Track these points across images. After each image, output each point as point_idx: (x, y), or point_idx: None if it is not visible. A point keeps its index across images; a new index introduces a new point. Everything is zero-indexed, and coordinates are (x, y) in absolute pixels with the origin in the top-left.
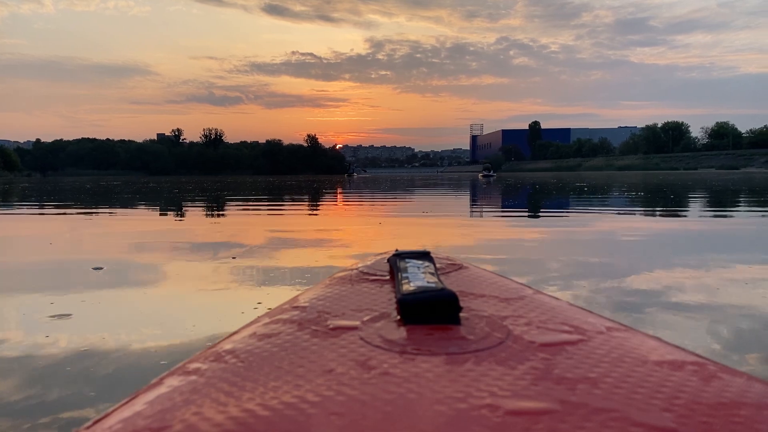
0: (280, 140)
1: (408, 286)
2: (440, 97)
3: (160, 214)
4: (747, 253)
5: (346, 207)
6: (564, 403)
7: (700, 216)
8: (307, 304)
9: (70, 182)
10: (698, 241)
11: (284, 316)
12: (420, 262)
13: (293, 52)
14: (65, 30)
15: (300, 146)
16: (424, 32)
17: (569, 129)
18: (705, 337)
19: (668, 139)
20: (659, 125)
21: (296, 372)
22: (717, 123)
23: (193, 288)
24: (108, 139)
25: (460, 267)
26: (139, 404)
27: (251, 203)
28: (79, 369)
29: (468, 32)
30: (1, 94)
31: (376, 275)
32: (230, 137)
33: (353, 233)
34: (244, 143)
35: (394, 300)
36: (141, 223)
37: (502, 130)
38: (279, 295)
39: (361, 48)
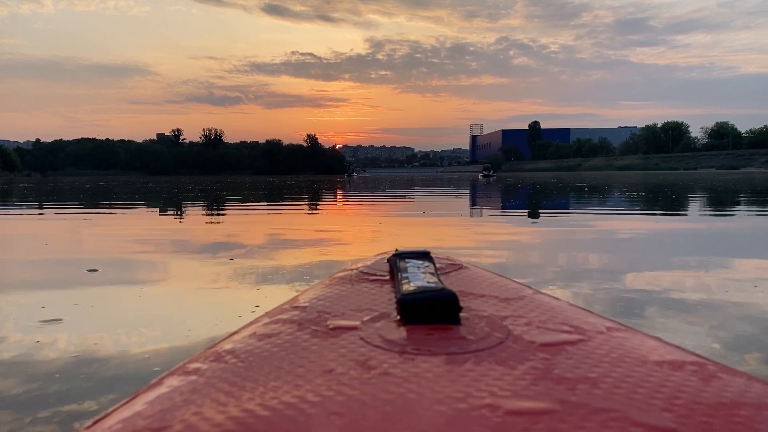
0: (279, 140)
1: (408, 286)
2: (440, 97)
3: (159, 215)
4: (757, 253)
5: (346, 207)
6: (564, 403)
7: (706, 216)
8: (307, 304)
9: (70, 182)
10: (706, 241)
11: (284, 316)
12: (420, 262)
13: (293, 52)
14: (65, 30)
15: (300, 146)
16: (423, 32)
17: (569, 129)
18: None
19: (668, 139)
20: (659, 125)
21: (296, 372)
22: (717, 123)
23: (190, 291)
24: (108, 139)
25: (460, 267)
26: (139, 404)
27: (251, 203)
28: (67, 378)
29: (468, 32)
30: (1, 94)
31: (376, 275)
32: (230, 137)
33: (353, 234)
34: (243, 143)
35: (394, 300)
36: (139, 223)
37: (502, 130)
38: (278, 298)
39: (360, 48)
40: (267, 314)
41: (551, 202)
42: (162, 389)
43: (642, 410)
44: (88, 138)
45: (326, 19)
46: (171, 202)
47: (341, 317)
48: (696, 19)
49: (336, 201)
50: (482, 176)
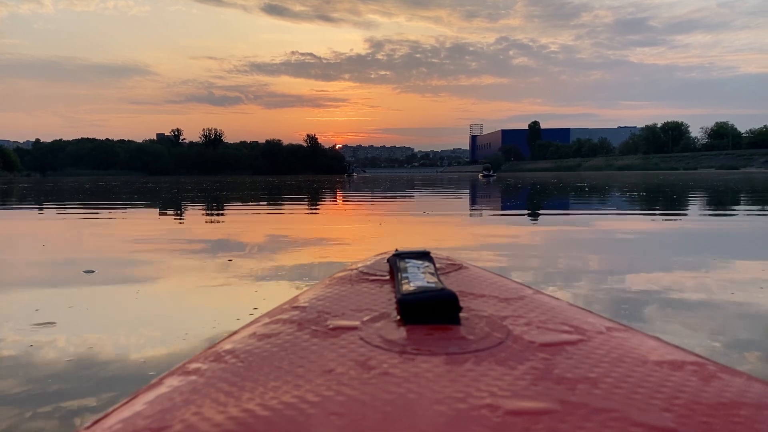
0: (279, 140)
1: (408, 286)
2: (440, 97)
3: (158, 215)
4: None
5: (346, 207)
6: (564, 403)
7: (710, 216)
8: (306, 304)
9: (69, 182)
10: (711, 241)
11: (284, 316)
12: (420, 262)
13: (293, 52)
14: (65, 30)
15: (299, 146)
16: (423, 32)
17: (569, 129)
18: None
19: (668, 139)
20: (659, 125)
21: (296, 372)
22: (716, 123)
23: (187, 292)
24: (107, 139)
25: (460, 267)
26: (139, 404)
27: (250, 203)
28: (60, 383)
29: (467, 32)
30: (1, 94)
31: (375, 275)
32: (230, 137)
33: (353, 234)
34: (243, 143)
35: (394, 300)
36: (137, 224)
37: (502, 130)
38: (276, 300)
39: (360, 48)
40: (267, 314)
41: (553, 202)
42: (162, 389)
43: (642, 410)
44: (87, 138)
45: (326, 19)
46: (170, 203)
47: (341, 317)
48: (696, 19)
49: (336, 201)
50: (482, 176)
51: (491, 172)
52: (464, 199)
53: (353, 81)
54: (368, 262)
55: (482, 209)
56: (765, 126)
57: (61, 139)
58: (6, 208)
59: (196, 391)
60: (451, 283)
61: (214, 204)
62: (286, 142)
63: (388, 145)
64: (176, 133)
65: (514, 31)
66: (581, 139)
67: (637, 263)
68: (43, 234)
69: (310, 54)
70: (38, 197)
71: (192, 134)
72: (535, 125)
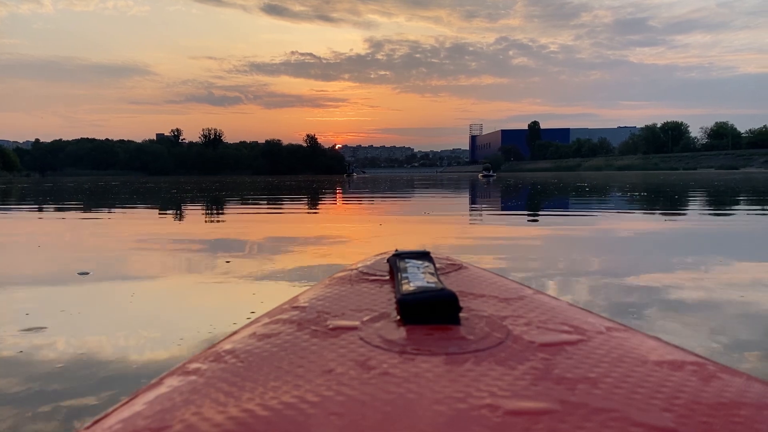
0: (279, 140)
1: (408, 286)
2: (439, 97)
3: (156, 216)
4: None
5: (346, 208)
6: (564, 403)
7: (715, 217)
8: (306, 304)
9: (68, 182)
10: (718, 242)
11: (284, 316)
12: (420, 262)
13: (292, 52)
14: (64, 30)
15: (299, 146)
16: (423, 32)
17: (568, 129)
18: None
19: (667, 139)
20: (658, 125)
21: (296, 372)
22: (716, 123)
23: (183, 295)
24: (107, 140)
25: (460, 267)
26: (139, 404)
27: (250, 204)
28: (47, 393)
29: (467, 32)
30: (1, 94)
31: (375, 275)
32: (229, 137)
33: (353, 235)
34: (243, 143)
35: (394, 300)
36: (135, 224)
37: (502, 130)
38: (274, 303)
39: (360, 48)
40: (267, 314)
41: (554, 202)
42: (162, 389)
43: (642, 410)
44: (87, 138)
45: (326, 19)
46: (169, 203)
47: (341, 317)
48: (695, 19)
49: (336, 201)
50: (482, 176)
51: (491, 172)
52: (464, 199)
53: (353, 81)
54: (368, 262)
55: (484, 209)
56: (765, 126)
57: (60, 139)
58: (3, 208)
59: (196, 391)
60: (451, 283)
61: (213, 204)
62: (285, 142)
63: (387, 145)
64: (176, 133)
65: (514, 31)
66: (581, 139)
67: (647, 264)
68: (40, 235)
69: (310, 54)
70: (36, 197)
71: (192, 134)
72: (534, 125)
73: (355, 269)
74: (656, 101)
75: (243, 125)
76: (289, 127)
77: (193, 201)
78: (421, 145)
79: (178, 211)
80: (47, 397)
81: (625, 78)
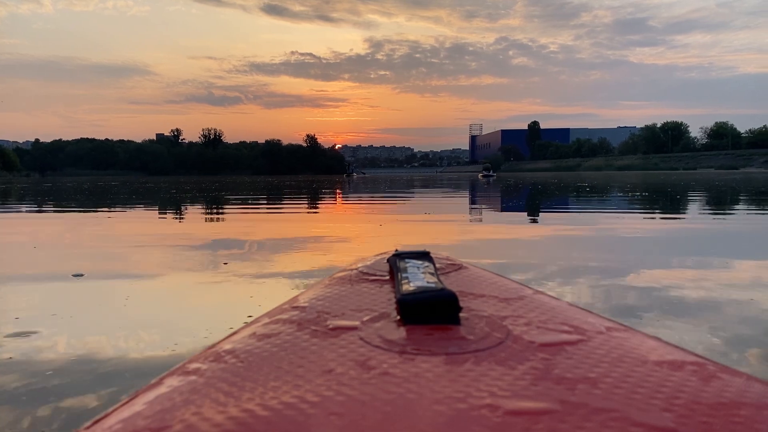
0: (279, 140)
1: (408, 286)
2: (439, 97)
3: (154, 216)
4: None
5: (346, 208)
6: (564, 403)
7: (721, 217)
8: (306, 304)
9: (68, 182)
10: (724, 242)
11: (284, 316)
12: (420, 262)
13: (292, 52)
14: (64, 30)
15: (299, 146)
16: (423, 32)
17: (568, 129)
18: None
19: (667, 139)
20: (658, 125)
21: (296, 372)
22: (716, 123)
23: (179, 298)
24: (107, 140)
25: (460, 267)
26: (139, 404)
27: (249, 204)
28: (35, 402)
29: (467, 32)
30: (1, 94)
31: (375, 275)
32: (229, 137)
33: (353, 236)
34: (243, 143)
35: (394, 300)
36: (133, 225)
37: (502, 130)
38: (272, 307)
39: (360, 48)
40: (267, 314)
41: (556, 202)
42: (162, 389)
43: (642, 410)
44: (87, 138)
45: (325, 19)
46: (168, 203)
47: (341, 317)
48: (695, 19)
49: (335, 201)
50: (482, 176)
51: (491, 172)
52: (464, 199)
53: (353, 81)
54: (368, 262)
55: (485, 210)
56: (764, 126)
57: (60, 139)
58: (1, 209)
59: (196, 391)
60: (451, 283)
61: (213, 204)
62: (285, 142)
63: (387, 145)
64: (176, 133)
65: (514, 31)
66: (581, 139)
67: (659, 264)
68: (36, 236)
69: (310, 54)
70: (35, 197)
71: (191, 134)
72: (534, 125)
73: (355, 269)
74: (656, 101)
75: (243, 125)
76: (289, 127)
77: (192, 201)
78: (421, 145)
79: (177, 212)
80: (35, 406)
81: (625, 78)
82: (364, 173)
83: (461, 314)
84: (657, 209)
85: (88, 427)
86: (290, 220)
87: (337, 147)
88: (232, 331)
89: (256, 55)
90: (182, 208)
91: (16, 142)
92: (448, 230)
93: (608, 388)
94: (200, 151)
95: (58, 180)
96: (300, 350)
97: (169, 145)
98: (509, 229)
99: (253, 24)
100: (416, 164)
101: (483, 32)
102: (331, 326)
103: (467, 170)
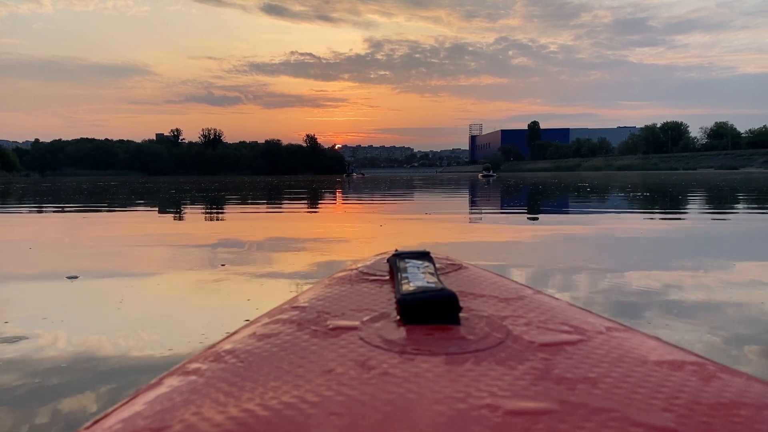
0: (279, 140)
1: (408, 286)
2: (439, 97)
3: (153, 216)
4: None
5: (346, 208)
6: (564, 403)
7: (727, 217)
8: (306, 304)
9: (67, 182)
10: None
11: (284, 316)
12: (419, 262)
13: (292, 52)
14: (64, 30)
15: (299, 146)
16: (423, 32)
17: (568, 129)
18: None
19: (667, 139)
20: (658, 125)
21: (296, 372)
22: (716, 123)
23: (175, 301)
24: (107, 140)
25: (460, 267)
26: (138, 404)
27: (249, 204)
28: (21, 410)
29: (467, 32)
30: (1, 94)
31: (375, 275)
32: (229, 137)
33: (352, 237)
34: (243, 143)
35: (394, 300)
36: (131, 225)
37: (501, 130)
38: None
39: (360, 48)
40: (267, 314)
41: (558, 203)
42: (162, 389)
43: (642, 410)
44: (87, 138)
45: (325, 19)
46: (166, 203)
47: (341, 317)
48: (695, 19)
49: (335, 202)
50: (482, 176)
51: (491, 172)
52: (468, 199)
53: (352, 81)
54: (368, 262)
55: (485, 210)
56: (764, 126)
57: (60, 139)
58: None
59: (196, 391)
60: (451, 283)
61: (212, 205)
62: (285, 142)
63: (387, 145)
64: (175, 133)
65: (514, 31)
66: (581, 139)
67: (670, 265)
68: (32, 237)
69: (310, 54)
70: (33, 198)
71: (191, 134)
72: (534, 125)
73: (355, 269)
74: (656, 101)
75: (243, 125)
76: (288, 127)
77: (191, 201)
78: (420, 145)
79: (176, 212)
80: (15, 415)
81: (625, 78)
82: (362, 173)
83: (461, 314)
84: (664, 209)
85: (87, 427)
86: (290, 220)
87: (336, 147)
88: (231, 331)
89: (256, 55)
90: (181, 208)
91: (16, 142)
92: (449, 230)
93: (608, 388)
94: (200, 151)
95: (58, 180)
96: (300, 350)
97: (168, 145)
98: (510, 229)
99: (253, 24)
100: (416, 164)
101: (483, 32)
102: (331, 326)
103: (467, 170)
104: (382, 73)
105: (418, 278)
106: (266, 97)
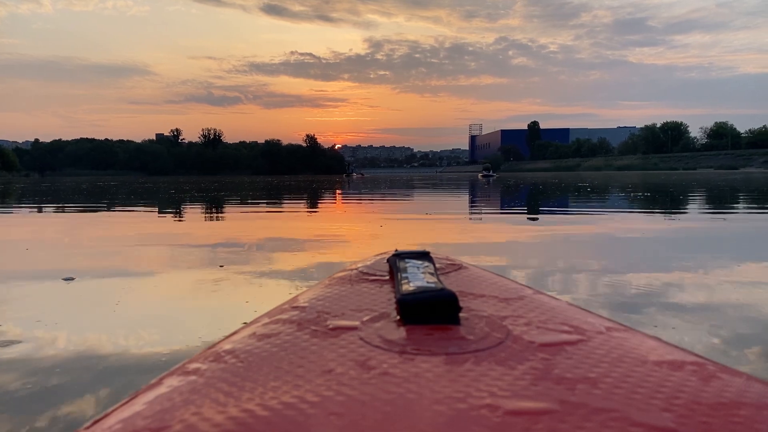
0: (278, 140)
1: (407, 286)
2: (439, 97)
3: (151, 217)
4: None
5: (346, 208)
6: (564, 403)
7: (732, 216)
8: (306, 304)
9: (67, 182)
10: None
11: (284, 316)
12: (419, 262)
13: (292, 52)
14: (64, 30)
15: (299, 146)
16: (422, 32)
17: (568, 129)
18: None
19: (667, 139)
20: (658, 125)
21: (296, 372)
22: (716, 123)
23: (172, 304)
24: (107, 140)
25: (460, 267)
26: (138, 404)
27: (248, 205)
28: (7, 419)
29: (467, 32)
30: (1, 94)
31: (375, 275)
32: (229, 137)
33: (352, 238)
34: (242, 143)
35: (394, 300)
36: (129, 226)
37: (501, 130)
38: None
39: (359, 48)
40: (267, 314)
41: (558, 202)
42: (162, 389)
43: (642, 410)
44: (87, 138)
45: (325, 19)
46: (166, 204)
47: (341, 317)
48: (694, 19)
49: (335, 202)
50: (482, 176)
51: (491, 172)
52: (468, 200)
53: (352, 81)
54: (368, 262)
55: (486, 210)
56: (764, 126)
57: (60, 139)
58: None
59: (196, 391)
60: (451, 283)
61: (211, 205)
62: (285, 142)
63: (387, 145)
64: (175, 133)
65: (514, 31)
66: (580, 139)
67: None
68: (29, 237)
69: (310, 54)
70: (32, 198)
71: (191, 134)
72: (534, 125)
73: (355, 269)
74: (656, 101)
75: (242, 125)
76: (288, 127)
77: (191, 202)
78: (420, 145)
79: (175, 212)
80: (14, 420)
81: (625, 78)
82: (362, 173)
83: (461, 314)
84: (665, 209)
85: (87, 427)
86: (290, 220)
87: (336, 147)
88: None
89: (256, 55)
90: (180, 209)
91: (16, 142)
92: (450, 231)
93: (608, 388)
94: (200, 151)
95: (57, 180)
96: (300, 350)
97: (168, 145)
98: (511, 229)
99: (253, 24)
100: (416, 164)
101: (482, 32)
102: (331, 326)
103: (467, 170)
104: (382, 73)
105: (418, 278)
106: (266, 97)
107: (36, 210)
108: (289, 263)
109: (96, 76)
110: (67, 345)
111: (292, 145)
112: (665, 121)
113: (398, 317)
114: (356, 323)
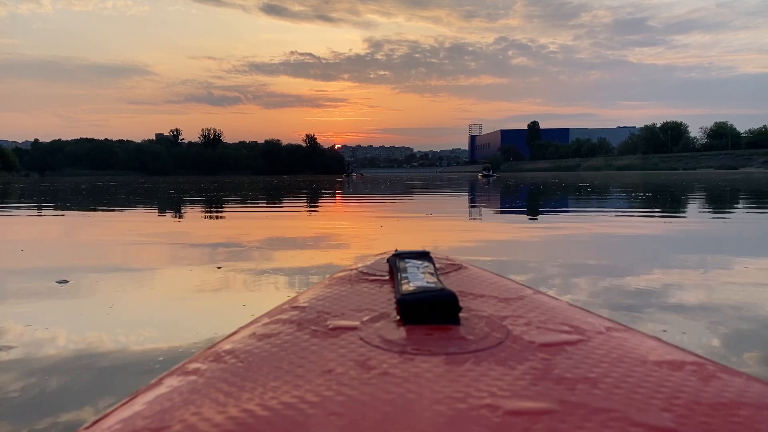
0: (278, 140)
1: (407, 286)
2: (439, 97)
3: (150, 217)
4: None
5: (346, 208)
6: (563, 403)
7: (736, 216)
8: (306, 304)
9: (66, 182)
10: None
11: (284, 316)
12: (419, 262)
13: (292, 52)
14: (63, 30)
15: (299, 146)
16: (422, 32)
17: (568, 129)
18: None
19: (667, 139)
20: (658, 125)
21: (296, 372)
22: (716, 123)
23: (167, 307)
24: (106, 140)
25: (460, 267)
26: (138, 404)
27: (248, 205)
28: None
29: (467, 32)
30: (0, 94)
31: (375, 275)
32: (229, 137)
33: (352, 239)
34: (242, 143)
35: (394, 300)
36: (127, 226)
37: (501, 130)
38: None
39: (359, 48)
40: (266, 314)
41: (558, 202)
42: (162, 389)
43: (642, 410)
44: (86, 138)
45: (325, 19)
46: (165, 204)
47: (341, 317)
48: (694, 19)
49: (335, 202)
50: (482, 176)
51: (491, 172)
52: (468, 200)
53: (352, 81)
54: (368, 262)
55: (486, 210)
56: (764, 126)
57: (60, 139)
58: None
59: (195, 391)
60: (451, 283)
61: (210, 205)
62: (285, 142)
63: (387, 145)
64: (175, 133)
65: (513, 31)
66: (580, 139)
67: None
68: (26, 238)
69: (309, 54)
70: (32, 198)
71: (191, 134)
72: (534, 125)
73: (355, 269)
74: (656, 101)
75: (242, 125)
76: (288, 127)
77: (191, 202)
78: (420, 145)
79: (174, 213)
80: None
81: (625, 78)
82: (362, 173)
83: (461, 314)
84: (666, 209)
85: (87, 427)
86: (289, 219)
87: (336, 147)
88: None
89: (256, 55)
90: (179, 209)
91: (16, 142)
92: (450, 231)
93: (608, 388)
94: (200, 151)
95: (57, 180)
96: (300, 350)
97: (168, 145)
98: (512, 228)
99: (253, 24)
100: (416, 164)
101: (482, 32)
102: (331, 326)
103: (467, 170)
104: (382, 73)
105: (418, 278)
106: (266, 97)
107: (35, 210)
108: (289, 263)
109: (96, 76)
110: (58, 350)
111: (291, 145)
112: (665, 121)
113: (398, 317)
114: (356, 323)
